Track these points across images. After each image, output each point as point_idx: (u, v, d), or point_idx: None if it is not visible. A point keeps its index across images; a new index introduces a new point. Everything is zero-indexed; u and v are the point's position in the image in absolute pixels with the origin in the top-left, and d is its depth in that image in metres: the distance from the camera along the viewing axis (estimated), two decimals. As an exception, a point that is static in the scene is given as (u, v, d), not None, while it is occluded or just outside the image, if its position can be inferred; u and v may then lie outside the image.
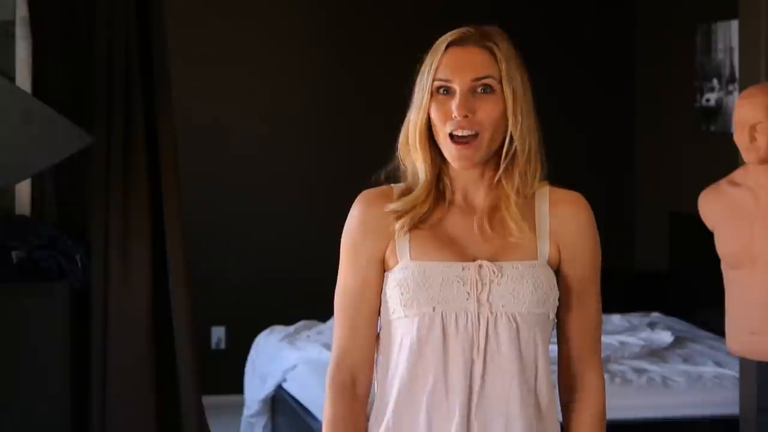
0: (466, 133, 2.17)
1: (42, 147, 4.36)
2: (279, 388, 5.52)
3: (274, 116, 7.06)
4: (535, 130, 2.22)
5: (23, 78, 4.83)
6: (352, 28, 7.15)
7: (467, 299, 2.17)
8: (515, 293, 2.17)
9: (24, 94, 4.52)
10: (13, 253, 4.55)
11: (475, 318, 2.17)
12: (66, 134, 4.37)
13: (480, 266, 2.18)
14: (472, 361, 2.16)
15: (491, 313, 2.17)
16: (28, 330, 4.52)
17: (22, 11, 4.83)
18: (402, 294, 2.19)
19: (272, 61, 7.05)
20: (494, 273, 2.17)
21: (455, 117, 2.17)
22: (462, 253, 2.20)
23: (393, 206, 2.23)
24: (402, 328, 2.21)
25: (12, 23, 4.88)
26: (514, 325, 2.17)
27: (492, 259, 2.19)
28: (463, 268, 2.18)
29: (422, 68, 2.23)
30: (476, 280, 2.17)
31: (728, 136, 4.79)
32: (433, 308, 2.17)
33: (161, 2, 4.73)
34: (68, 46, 4.73)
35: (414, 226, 2.22)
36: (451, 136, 2.18)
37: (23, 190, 4.86)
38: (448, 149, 2.19)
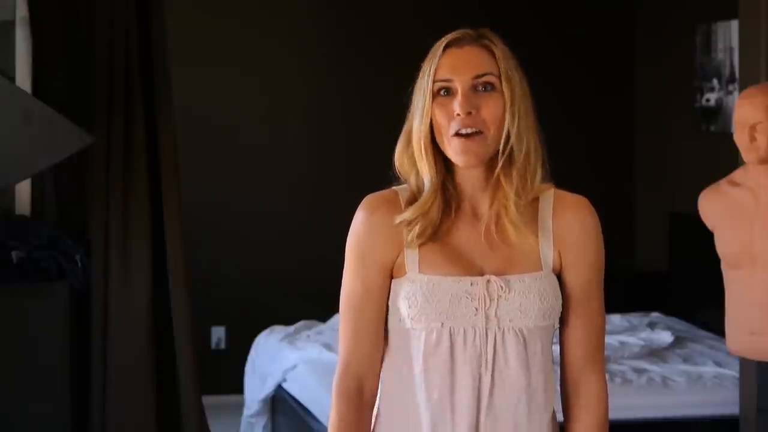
0: (470, 130, 2.15)
1: (42, 147, 4.36)
2: (279, 388, 5.51)
3: (274, 116, 7.06)
4: (535, 131, 2.20)
5: (23, 78, 4.83)
6: (351, 29, 7.15)
7: (475, 315, 2.16)
8: (522, 308, 2.16)
9: (24, 94, 4.52)
10: (13, 253, 4.55)
11: (483, 333, 2.16)
12: (66, 134, 4.37)
13: (488, 281, 2.16)
14: (480, 376, 2.16)
15: (499, 328, 2.16)
16: (28, 330, 4.52)
17: (22, 11, 4.83)
18: (410, 307, 2.17)
19: (272, 61, 7.05)
20: (502, 288, 2.16)
21: (458, 115, 2.15)
22: (470, 267, 2.18)
23: (402, 217, 2.20)
24: (409, 340, 2.20)
25: (12, 23, 4.88)
26: (522, 340, 2.16)
27: (499, 272, 2.17)
28: (471, 284, 2.16)
29: (421, 73, 2.20)
30: (484, 295, 2.16)
31: (728, 136, 4.79)
32: (442, 323, 2.16)
33: (161, 2, 4.73)
34: (68, 46, 4.73)
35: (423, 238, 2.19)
36: (456, 134, 2.16)
37: (23, 190, 4.86)
38: (453, 146, 2.16)
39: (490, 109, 2.17)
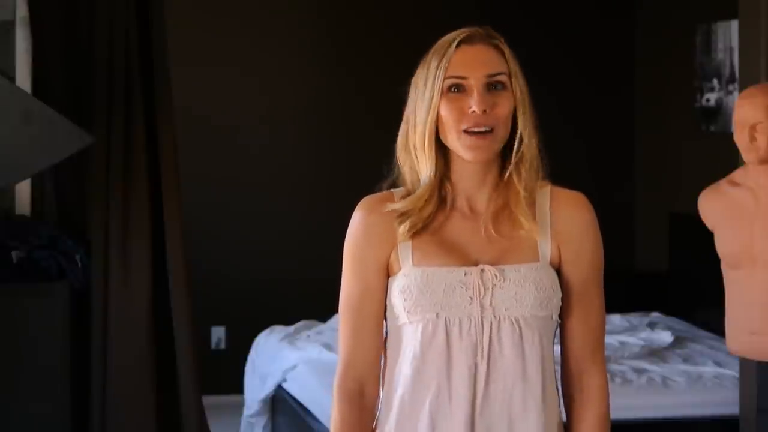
0: (483, 129, 2.17)
1: (42, 147, 4.36)
2: (279, 388, 5.52)
3: (274, 116, 7.06)
4: (536, 129, 2.23)
5: (23, 78, 4.83)
6: (351, 29, 7.15)
7: (470, 304, 2.16)
8: (518, 297, 2.17)
9: (24, 94, 4.52)
10: (13, 253, 4.55)
11: (478, 323, 2.16)
12: (66, 134, 4.37)
13: (482, 270, 2.17)
14: (476, 366, 2.16)
15: (494, 317, 2.16)
16: (28, 330, 4.52)
17: (22, 11, 4.83)
18: (405, 300, 2.18)
19: (272, 61, 7.06)
20: (497, 277, 2.16)
21: (474, 113, 2.16)
22: (464, 258, 2.19)
23: (394, 206, 2.22)
24: (406, 334, 2.20)
25: (12, 23, 4.88)
26: (518, 329, 2.16)
27: (494, 263, 2.18)
28: (465, 273, 2.17)
29: (427, 68, 2.21)
30: (479, 284, 2.16)
31: (728, 136, 4.79)
32: (437, 314, 2.17)
33: (161, 2, 4.73)
34: (68, 46, 4.73)
35: (416, 232, 2.21)
36: (466, 131, 2.17)
37: (23, 190, 4.86)
38: (463, 142, 2.17)
39: (502, 107, 2.19)
